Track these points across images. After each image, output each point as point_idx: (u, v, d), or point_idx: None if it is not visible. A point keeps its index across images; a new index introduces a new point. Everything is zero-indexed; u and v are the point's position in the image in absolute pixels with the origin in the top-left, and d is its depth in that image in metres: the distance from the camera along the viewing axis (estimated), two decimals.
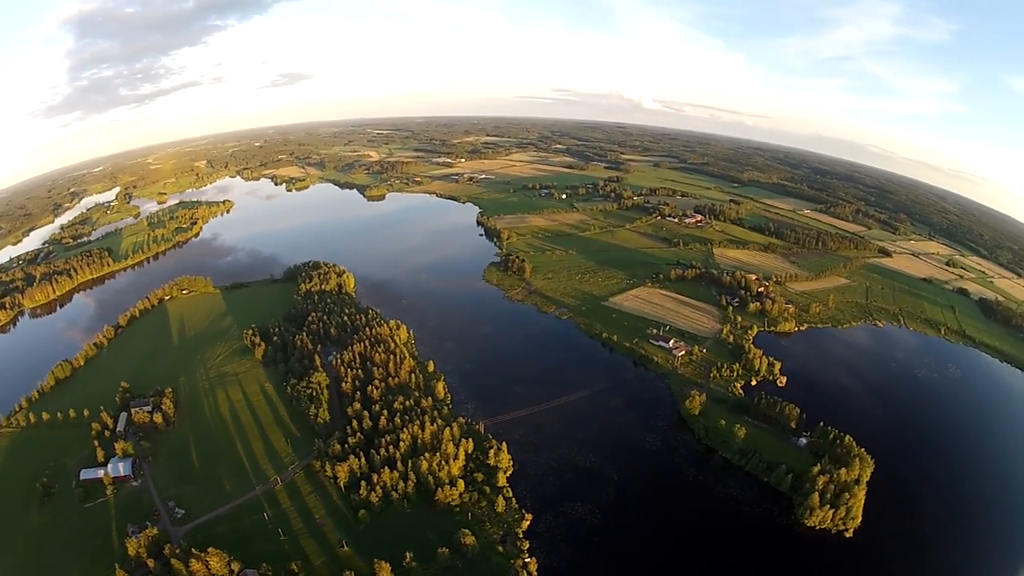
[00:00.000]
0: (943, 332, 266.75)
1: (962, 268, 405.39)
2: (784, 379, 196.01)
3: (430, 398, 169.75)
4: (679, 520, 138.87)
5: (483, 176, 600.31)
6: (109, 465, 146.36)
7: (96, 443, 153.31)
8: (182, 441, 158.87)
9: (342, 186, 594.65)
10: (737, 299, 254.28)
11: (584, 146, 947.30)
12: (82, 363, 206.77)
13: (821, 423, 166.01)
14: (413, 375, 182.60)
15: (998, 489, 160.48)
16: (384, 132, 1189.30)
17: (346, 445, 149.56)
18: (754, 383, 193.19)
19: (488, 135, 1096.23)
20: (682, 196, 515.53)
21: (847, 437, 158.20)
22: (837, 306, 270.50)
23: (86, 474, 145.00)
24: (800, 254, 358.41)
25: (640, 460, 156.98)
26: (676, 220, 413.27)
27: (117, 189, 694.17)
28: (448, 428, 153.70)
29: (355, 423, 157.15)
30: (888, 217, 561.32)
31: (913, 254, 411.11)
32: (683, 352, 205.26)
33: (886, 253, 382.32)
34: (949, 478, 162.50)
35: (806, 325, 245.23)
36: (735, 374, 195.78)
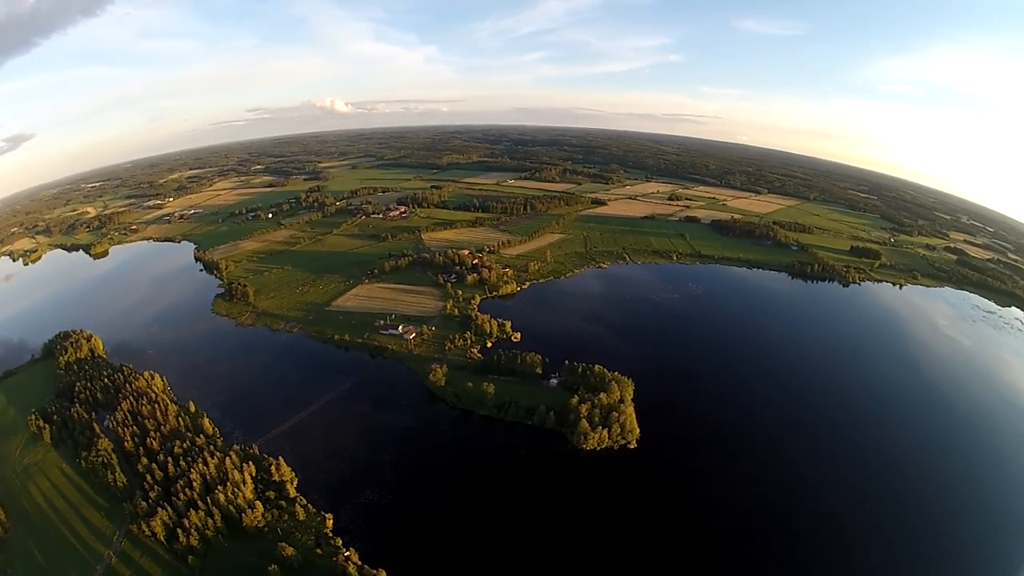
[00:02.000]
0: (675, 258, 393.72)
1: (687, 199, 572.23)
2: (518, 335, 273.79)
3: (201, 435, 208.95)
4: (464, 479, 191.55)
5: (193, 212, 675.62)
6: None
7: None
8: (23, 545, 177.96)
9: (69, 249, 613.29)
10: (454, 275, 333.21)
11: (282, 162, 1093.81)
12: None
13: (567, 361, 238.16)
14: (180, 419, 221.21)
15: (755, 372, 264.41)
16: (96, 184, 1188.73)
17: (149, 500, 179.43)
18: (490, 345, 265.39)
19: (191, 168, 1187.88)
20: (383, 192, 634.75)
21: (596, 366, 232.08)
22: (557, 259, 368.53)
23: None
24: (509, 222, 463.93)
25: (406, 438, 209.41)
26: (380, 216, 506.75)
27: None
28: (227, 458, 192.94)
29: (149, 478, 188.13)
30: (599, 170, 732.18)
31: (631, 197, 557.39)
32: (413, 335, 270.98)
33: (600, 203, 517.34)
34: (709, 374, 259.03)
35: (528, 283, 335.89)
36: (468, 342, 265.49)
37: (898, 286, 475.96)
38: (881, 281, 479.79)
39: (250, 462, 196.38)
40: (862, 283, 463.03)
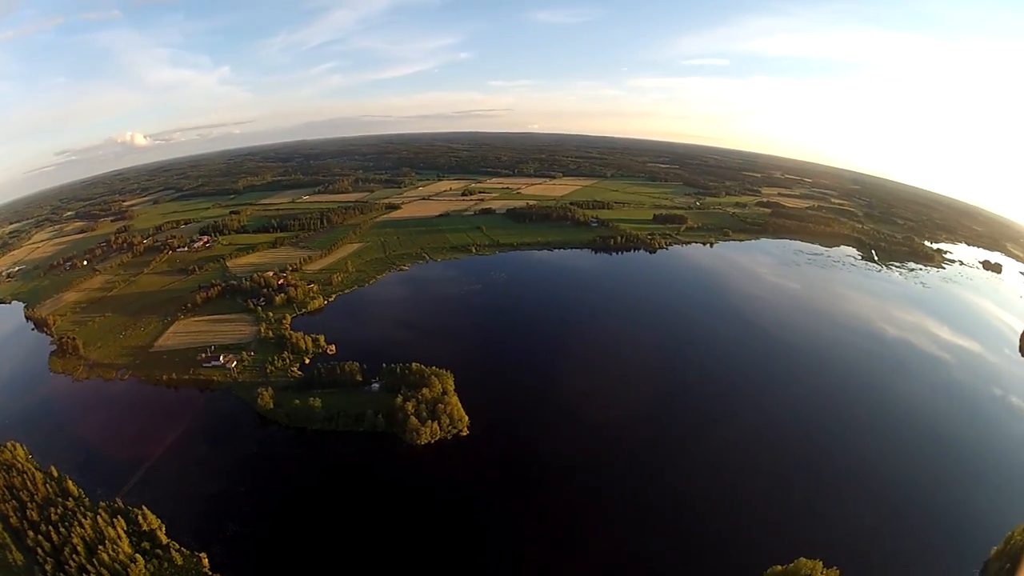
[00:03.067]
0: (474, 251, 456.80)
1: (481, 193, 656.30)
2: (333, 347, 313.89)
3: (70, 499, 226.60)
4: (315, 495, 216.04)
5: (17, 268, 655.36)
6: None
7: None
8: None
9: None
10: (263, 298, 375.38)
11: (90, 205, 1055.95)
12: None
13: (384, 364, 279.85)
14: (47, 485, 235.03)
15: (568, 343, 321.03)
16: None
17: (47, 574, 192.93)
18: (308, 361, 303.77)
19: (11, 223, 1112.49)
20: (186, 224, 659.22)
21: (413, 364, 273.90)
22: (358, 268, 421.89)
23: None
24: (308, 238, 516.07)
25: (250, 465, 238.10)
26: (186, 249, 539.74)
27: None
28: (98, 516, 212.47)
29: (39, 550, 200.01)
30: (391, 175, 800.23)
31: (424, 198, 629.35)
32: (235, 363, 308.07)
33: (395, 207, 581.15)
34: (524, 353, 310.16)
35: (334, 296, 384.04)
36: (287, 362, 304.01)
37: (708, 244, 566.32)
38: (690, 243, 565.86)
39: (119, 516, 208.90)
40: (669, 247, 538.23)
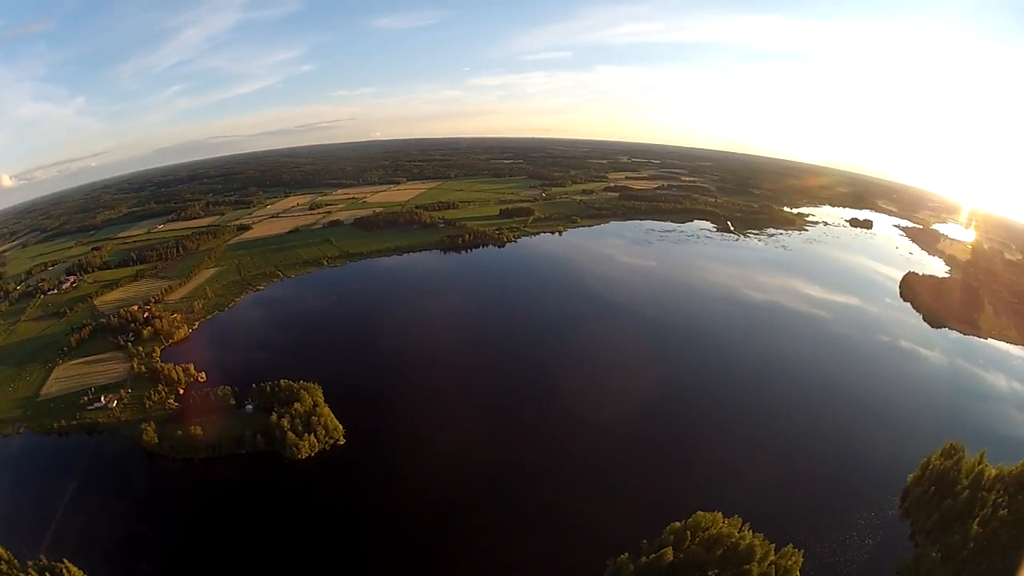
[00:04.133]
0: (326, 264, 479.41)
1: (328, 205, 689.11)
2: (203, 374, 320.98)
3: (4, 563, 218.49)
4: (215, 523, 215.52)
5: None
6: None
7: None
8: None
9: None
10: (131, 334, 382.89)
11: None
12: None
13: (254, 385, 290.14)
14: None
15: (425, 341, 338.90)
16: None
17: None
18: (182, 391, 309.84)
19: None
20: (52, 266, 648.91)
21: (282, 381, 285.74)
22: (217, 293, 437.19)
23: None
24: (167, 267, 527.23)
25: (148, 503, 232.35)
26: (56, 291, 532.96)
27: None
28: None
29: None
30: (239, 196, 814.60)
31: (273, 216, 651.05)
32: (115, 403, 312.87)
33: (246, 227, 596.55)
34: (383, 354, 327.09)
35: (197, 323, 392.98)
36: (163, 394, 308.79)
37: (557, 233, 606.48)
38: (538, 233, 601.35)
39: (47, 573, 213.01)
40: (518, 240, 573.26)
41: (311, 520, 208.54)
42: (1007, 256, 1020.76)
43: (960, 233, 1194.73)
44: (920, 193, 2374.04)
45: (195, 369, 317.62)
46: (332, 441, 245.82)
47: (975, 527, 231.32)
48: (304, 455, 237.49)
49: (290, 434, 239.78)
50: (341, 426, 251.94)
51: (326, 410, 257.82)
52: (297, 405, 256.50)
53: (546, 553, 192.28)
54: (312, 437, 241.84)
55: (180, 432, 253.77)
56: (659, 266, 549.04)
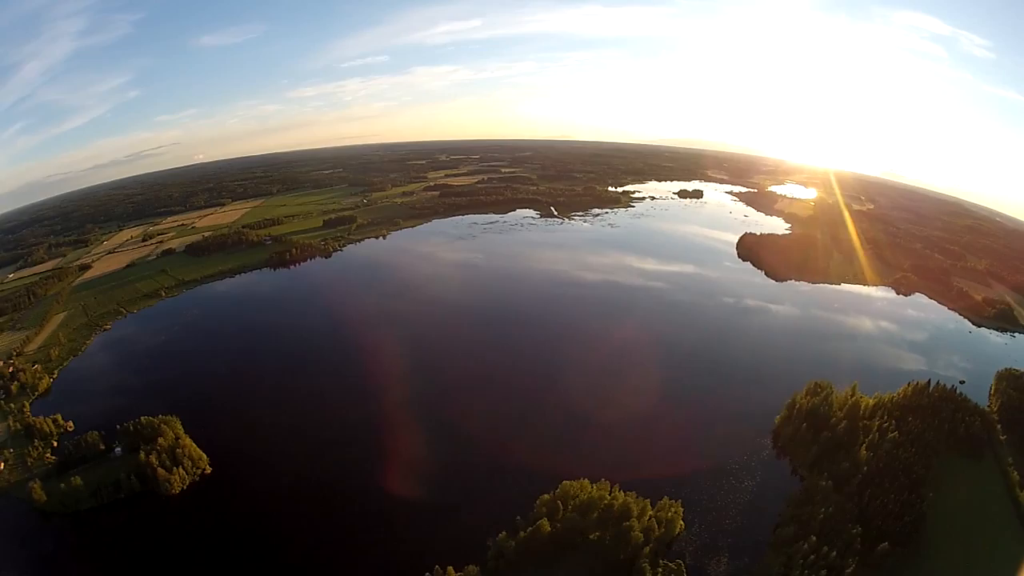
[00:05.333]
0: (164, 295, 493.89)
1: (160, 234, 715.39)
2: (71, 423, 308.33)
3: None
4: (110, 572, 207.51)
5: None
6: None
7: None
8: None
9: None
10: (1, 391, 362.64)
11: None
12: None
13: (118, 426, 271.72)
14: None
15: (271, 355, 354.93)
16: None
17: None
18: (56, 444, 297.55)
19: None
20: None
21: (142, 418, 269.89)
22: (69, 338, 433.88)
23: None
24: (22, 317, 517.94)
25: (52, 564, 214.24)
26: None
27: None
28: None
29: None
30: (77, 236, 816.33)
31: (110, 252, 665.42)
32: (2, 464, 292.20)
33: (87, 267, 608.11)
34: (231, 377, 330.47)
35: (56, 371, 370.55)
36: (40, 449, 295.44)
37: (381, 237, 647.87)
38: (363, 239, 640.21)
39: None
40: (344, 248, 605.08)
41: (195, 555, 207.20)
42: (856, 207, 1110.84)
43: (801, 192, 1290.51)
44: (753, 159, 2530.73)
45: (63, 419, 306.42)
46: (199, 471, 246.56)
47: (863, 452, 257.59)
48: (177, 489, 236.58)
49: (160, 470, 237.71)
50: (205, 455, 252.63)
51: (188, 441, 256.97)
52: (161, 440, 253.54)
53: (424, 544, 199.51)
54: (181, 470, 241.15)
55: (63, 485, 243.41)
56: (485, 259, 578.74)
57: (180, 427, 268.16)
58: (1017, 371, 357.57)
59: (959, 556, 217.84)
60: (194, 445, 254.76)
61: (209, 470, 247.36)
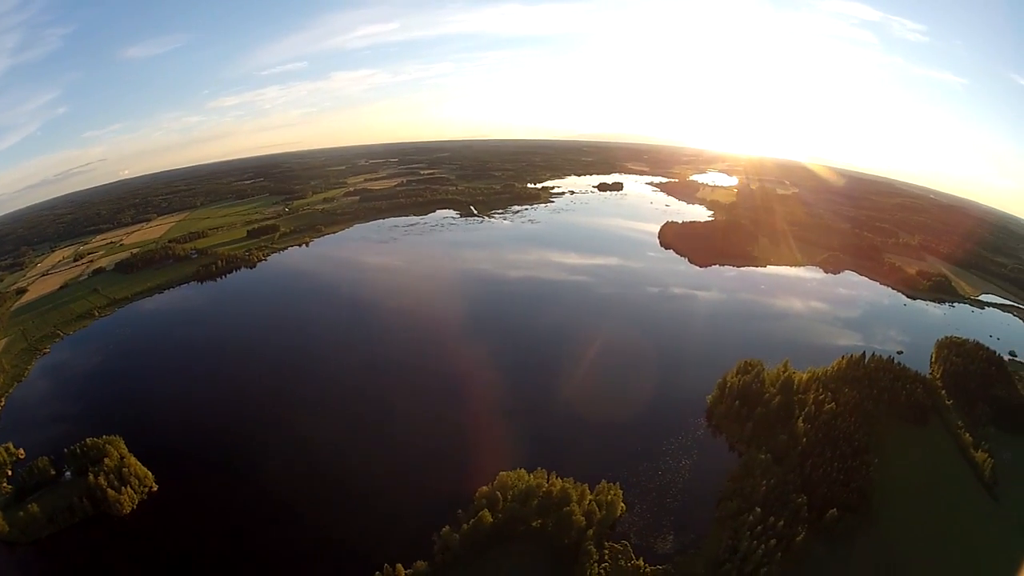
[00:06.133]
0: (97, 315, 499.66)
1: (90, 254, 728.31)
2: (21, 451, 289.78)
3: None
4: None
5: None
6: None
7: None
8: None
9: None
10: None
11: None
12: None
13: (65, 450, 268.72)
14: None
15: (202, 375, 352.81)
16: None
17: None
18: (10, 473, 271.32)
19: None
20: None
21: (87, 440, 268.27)
22: (12, 364, 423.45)
23: None
24: None
25: None
26: None
27: None
28: None
29: None
30: (12, 260, 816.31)
31: (44, 274, 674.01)
32: None
33: (23, 291, 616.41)
34: (164, 391, 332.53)
35: (3, 399, 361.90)
36: None
37: (304, 245, 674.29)
38: (286, 248, 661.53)
39: None
40: (268, 258, 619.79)
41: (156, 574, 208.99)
42: (780, 191, 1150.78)
43: (723, 180, 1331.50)
44: (673, 150, 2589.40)
45: (14, 447, 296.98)
46: (146, 489, 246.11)
47: (800, 425, 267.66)
48: (128, 509, 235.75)
49: (110, 491, 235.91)
50: (150, 472, 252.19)
51: (132, 460, 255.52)
52: (107, 460, 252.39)
53: (373, 545, 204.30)
54: (129, 490, 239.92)
55: (22, 513, 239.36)
56: (407, 262, 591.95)
57: (124, 446, 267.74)
58: (958, 338, 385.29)
59: (917, 517, 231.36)
60: (138, 463, 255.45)
61: (155, 487, 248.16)
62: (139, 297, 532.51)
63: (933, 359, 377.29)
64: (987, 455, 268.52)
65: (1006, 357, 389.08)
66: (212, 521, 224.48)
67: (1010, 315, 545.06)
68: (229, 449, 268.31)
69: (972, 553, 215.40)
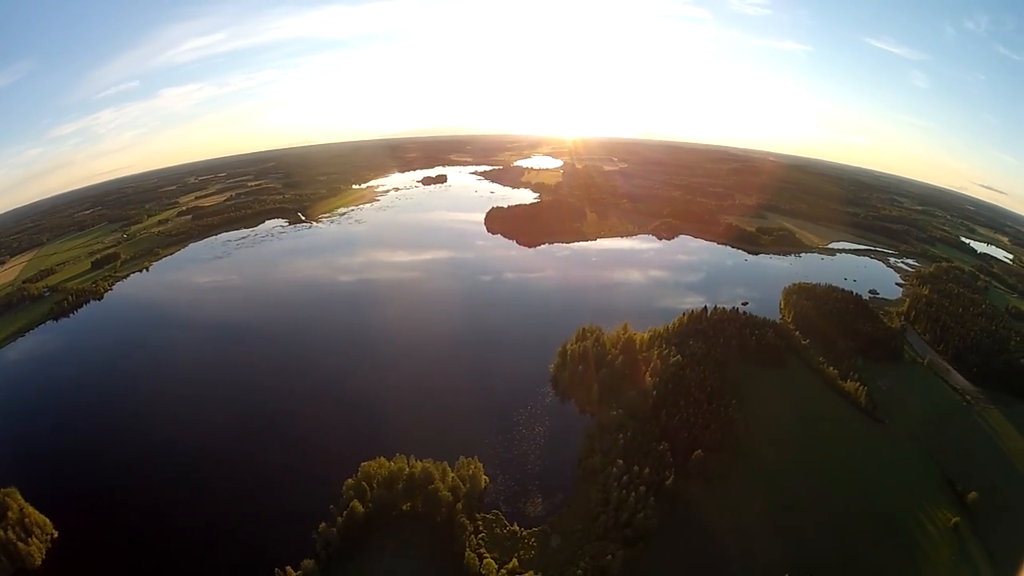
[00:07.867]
0: None
1: None
2: None
3: None
4: None
5: None
6: None
7: None
8: None
9: None
10: None
11: None
12: None
13: None
14: None
15: (78, 412, 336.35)
16: None
17: None
18: None
19: None
20: None
21: None
22: None
23: None
24: None
25: None
26: None
27: None
28: None
29: None
30: None
31: None
32: None
33: None
34: (50, 435, 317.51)
35: None
36: None
37: (144, 270, 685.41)
38: (128, 275, 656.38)
39: None
40: (113, 287, 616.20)
41: None
42: (607, 168, 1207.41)
43: (548, 162, 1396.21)
44: (498, 138, 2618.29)
45: None
46: (48, 536, 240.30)
47: (648, 379, 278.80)
48: (39, 561, 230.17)
49: (20, 544, 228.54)
50: (48, 519, 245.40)
51: (31, 509, 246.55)
52: (9, 514, 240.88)
53: (256, 553, 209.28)
54: (35, 540, 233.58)
55: None
56: (240, 277, 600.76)
57: (20, 497, 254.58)
58: (807, 283, 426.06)
59: (795, 451, 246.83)
60: (36, 512, 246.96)
61: (56, 534, 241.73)
62: (3, 344, 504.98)
63: (782, 306, 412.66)
64: (859, 384, 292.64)
65: (866, 296, 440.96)
66: (115, 555, 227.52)
67: (866, 259, 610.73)
68: (111, 480, 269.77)
69: (868, 475, 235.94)
